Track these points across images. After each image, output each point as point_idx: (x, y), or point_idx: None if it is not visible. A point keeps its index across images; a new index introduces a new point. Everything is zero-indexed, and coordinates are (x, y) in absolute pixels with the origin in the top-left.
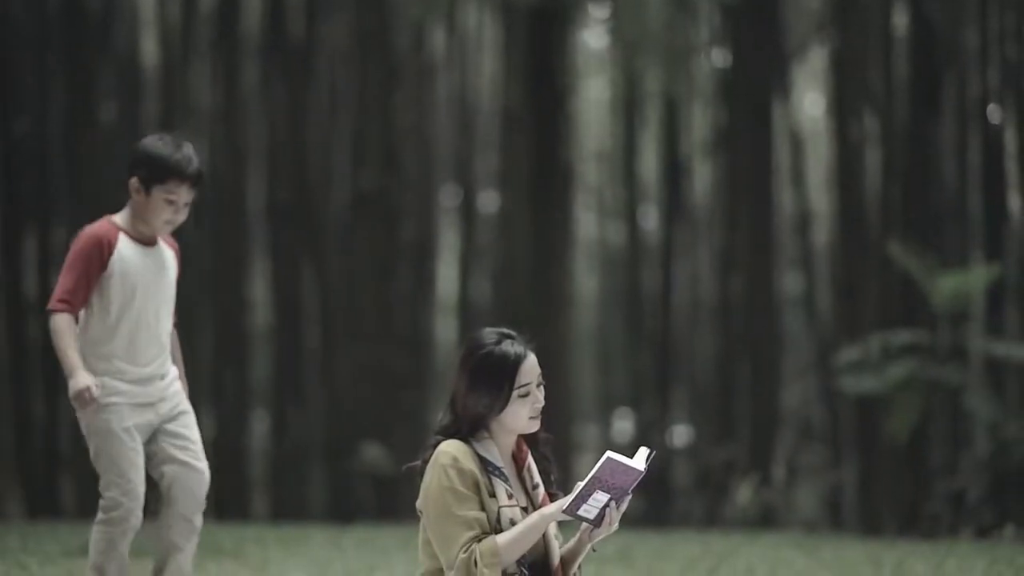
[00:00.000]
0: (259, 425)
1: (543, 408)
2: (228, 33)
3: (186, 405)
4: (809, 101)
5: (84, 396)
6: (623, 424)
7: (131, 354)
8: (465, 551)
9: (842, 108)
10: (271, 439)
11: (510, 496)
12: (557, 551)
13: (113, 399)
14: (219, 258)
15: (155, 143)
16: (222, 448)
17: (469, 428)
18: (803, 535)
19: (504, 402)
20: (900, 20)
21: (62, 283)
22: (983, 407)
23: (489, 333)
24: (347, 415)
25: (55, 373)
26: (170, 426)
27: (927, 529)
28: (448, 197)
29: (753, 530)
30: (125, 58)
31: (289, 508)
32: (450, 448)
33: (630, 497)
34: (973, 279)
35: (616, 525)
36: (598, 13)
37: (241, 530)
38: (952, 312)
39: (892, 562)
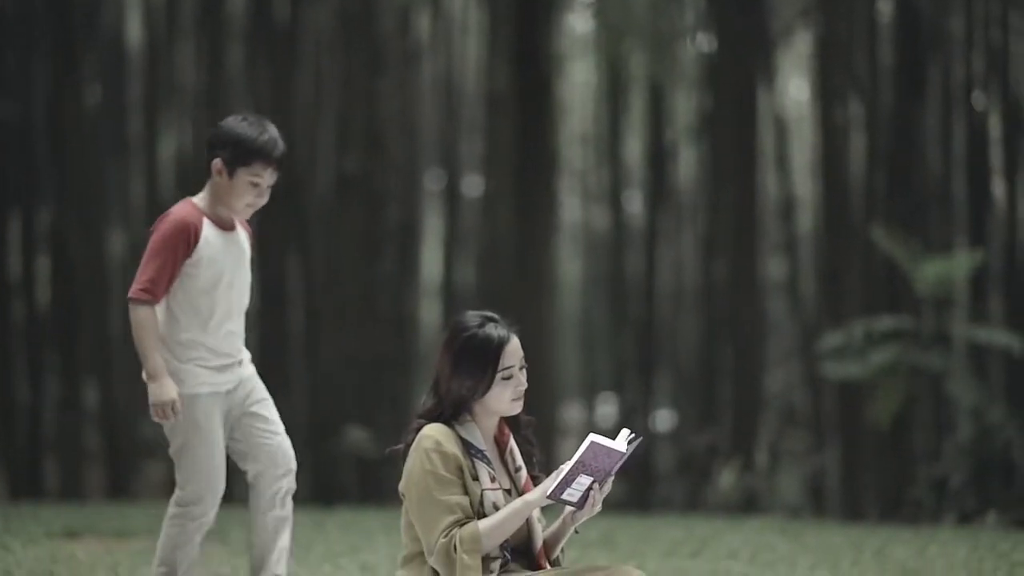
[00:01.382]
0: None
1: (525, 391)
2: (213, 15)
3: (263, 390)
4: (794, 86)
5: (167, 410)
6: (606, 408)
7: (215, 341)
8: (445, 536)
9: (827, 94)
10: None
11: (493, 479)
12: (540, 534)
13: (198, 389)
14: None
15: (239, 123)
16: None
17: (452, 411)
18: (785, 520)
19: (487, 385)
20: (885, 6)
21: (145, 270)
22: (966, 393)
23: (472, 316)
24: (331, 398)
25: (39, 354)
26: (253, 409)
27: (909, 514)
28: (432, 181)
29: (736, 515)
30: (110, 40)
31: None
32: (432, 432)
33: (613, 479)
34: (957, 265)
35: (599, 507)
36: None
37: (225, 512)
38: (936, 298)
39: (874, 547)
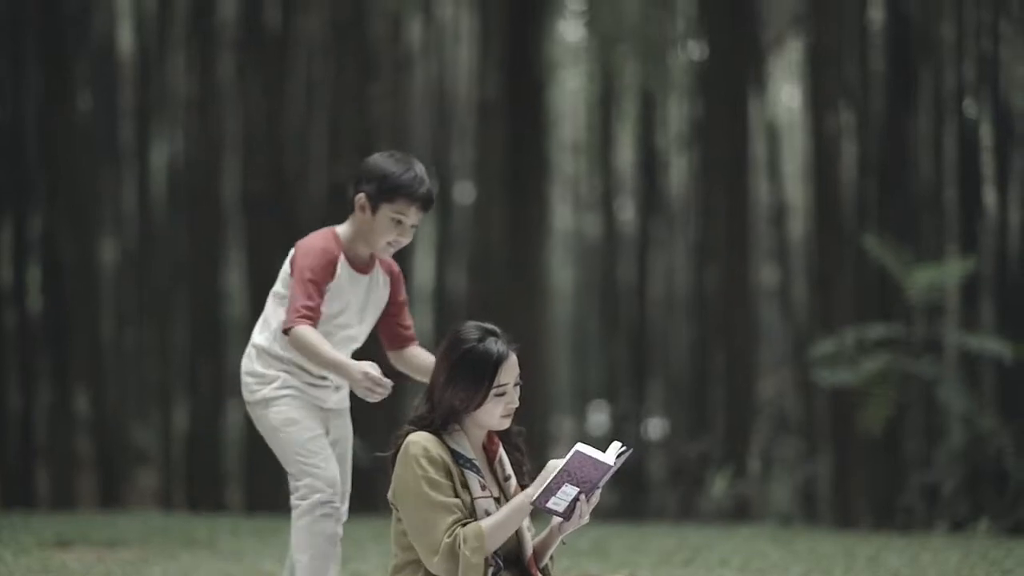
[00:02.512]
0: (234, 416)
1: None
2: (204, 23)
3: (348, 431)
4: (785, 94)
5: (371, 378)
6: (598, 416)
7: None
8: (449, 535)
9: (818, 101)
10: (246, 430)
11: (483, 487)
12: (530, 542)
13: (287, 391)
14: (194, 248)
15: (386, 159)
16: (197, 439)
17: (442, 420)
18: (778, 527)
19: (481, 400)
20: (876, 14)
21: (300, 297)
22: (958, 400)
23: (473, 328)
24: None
25: (30, 362)
26: (330, 438)
27: (901, 522)
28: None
29: (728, 523)
30: (101, 47)
31: (264, 499)
32: (419, 438)
33: (600, 491)
34: (948, 272)
35: (587, 519)
36: (574, 5)
37: (216, 521)
38: (927, 305)
39: (866, 555)
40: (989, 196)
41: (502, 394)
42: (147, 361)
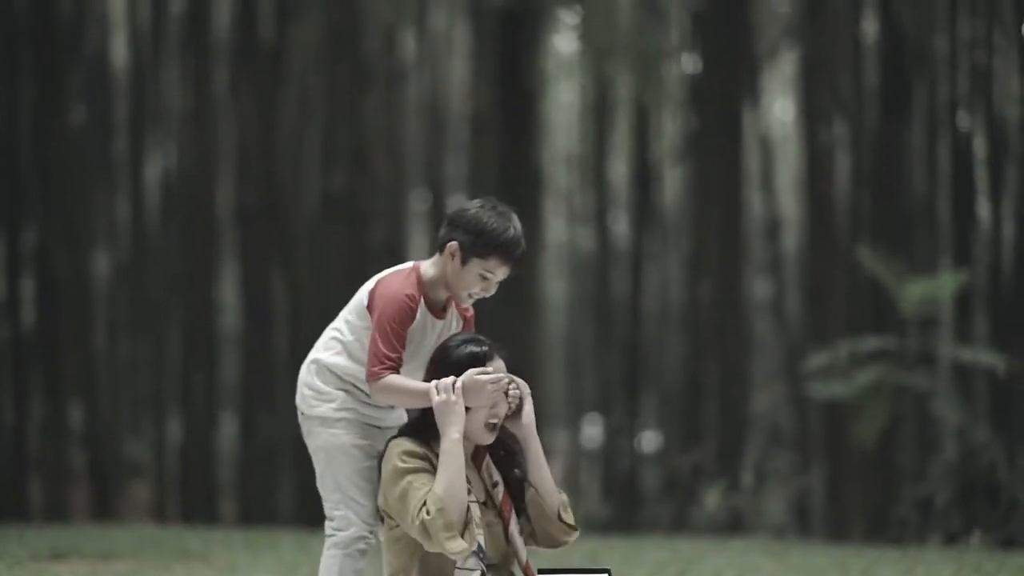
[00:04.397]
0: (228, 428)
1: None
2: (198, 35)
3: None
4: (779, 107)
5: (447, 394)
6: (592, 429)
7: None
8: (418, 511)
9: (811, 114)
10: (240, 442)
11: (468, 491)
12: (523, 548)
13: (345, 414)
14: (188, 260)
15: (488, 213)
16: (190, 451)
17: (434, 429)
18: (771, 540)
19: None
20: (870, 26)
21: (384, 347)
22: (951, 413)
23: (458, 337)
24: None
25: (24, 375)
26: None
27: (895, 535)
28: (418, 201)
29: (721, 535)
30: (95, 60)
31: (258, 512)
32: (402, 440)
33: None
34: (941, 285)
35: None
36: (568, 18)
37: (209, 533)
38: (921, 318)
39: (860, 568)
40: (982, 209)
41: None
42: (140, 373)
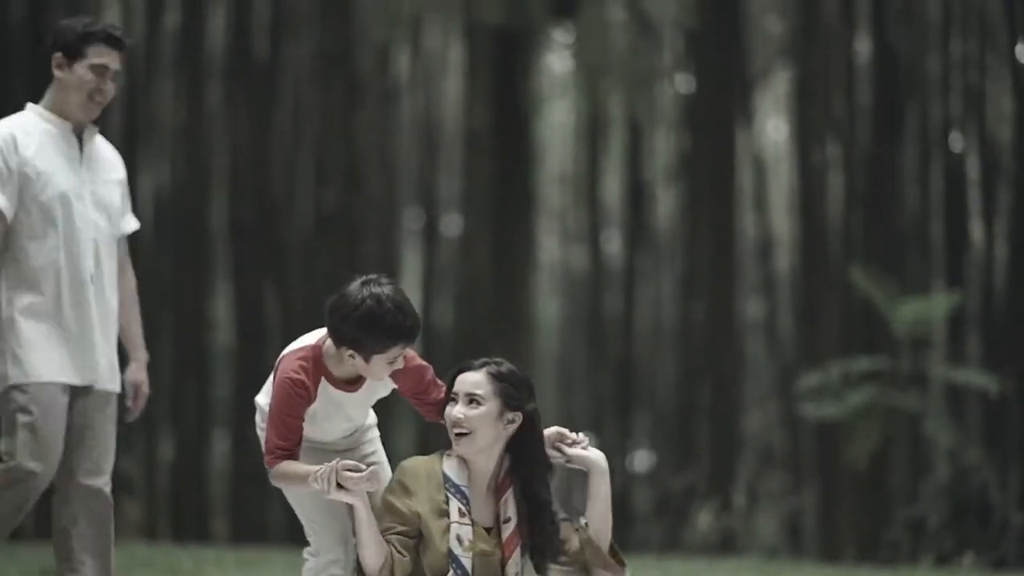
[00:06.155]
0: (219, 445)
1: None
2: (192, 52)
3: (374, 447)
4: (771, 127)
5: (325, 479)
6: None
7: (322, 435)
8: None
9: (804, 134)
10: (231, 460)
11: (462, 514)
12: None
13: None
14: (181, 277)
15: (370, 305)
16: (182, 468)
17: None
18: (763, 561)
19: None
20: (863, 47)
21: (274, 438)
22: (943, 434)
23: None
24: None
25: None
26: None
27: (887, 556)
28: (411, 219)
29: (713, 556)
30: None
31: (249, 530)
32: (405, 468)
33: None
34: (934, 306)
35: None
36: (562, 37)
37: (200, 551)
38: (913, 339)
39: None
40: (975, 230)
41: (451, 400)
42: None
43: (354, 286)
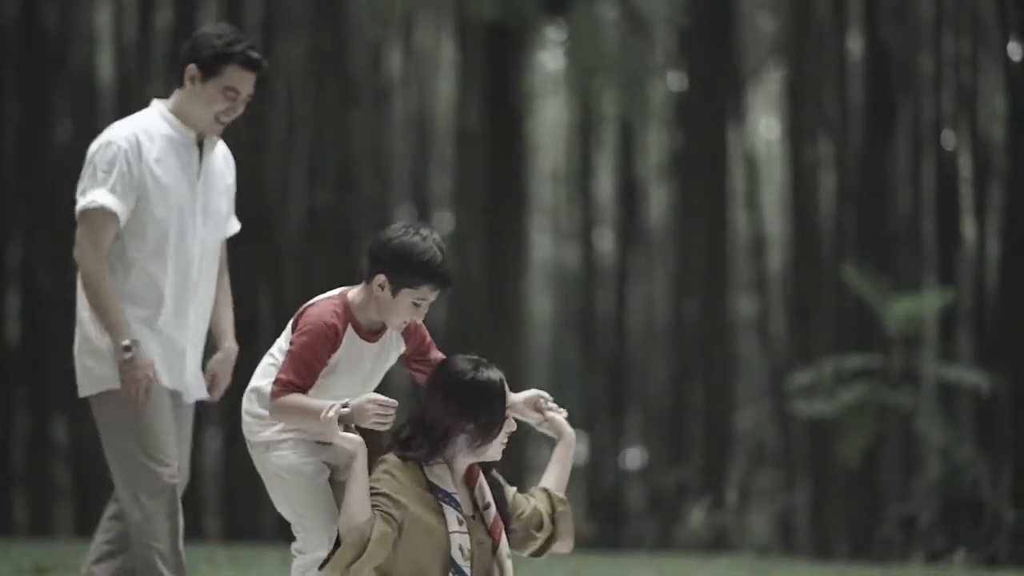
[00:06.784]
0: (212, 444)
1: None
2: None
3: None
4: (764, 125)
5: (379, 401)
6: (577, 446)
7: (335, 388)
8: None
9: (797, 132)
10: (224, 459)
11: (460, 523)
12: (510, 568)
13: (289, 434)
14: None
15: (412, 239)
16: None
17: (431, 450)
18: (755, 558)
19: (498, 430)
20: (855, 45)
21: (289, 372)
22: (935, 431)
23: (465, 360)
24: None
25: (9, 390)
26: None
27: (879, 553)
28: (404, 217)
29: (705, 553)
30: (81, 76)
31: (242, 528)
32: (386, 462)
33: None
34: (926, 304)
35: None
36: (554, 35)
37: (194, 550)
38: (905, 336)
39: None
40: (967, 228)
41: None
42: None
43: (402, 224)
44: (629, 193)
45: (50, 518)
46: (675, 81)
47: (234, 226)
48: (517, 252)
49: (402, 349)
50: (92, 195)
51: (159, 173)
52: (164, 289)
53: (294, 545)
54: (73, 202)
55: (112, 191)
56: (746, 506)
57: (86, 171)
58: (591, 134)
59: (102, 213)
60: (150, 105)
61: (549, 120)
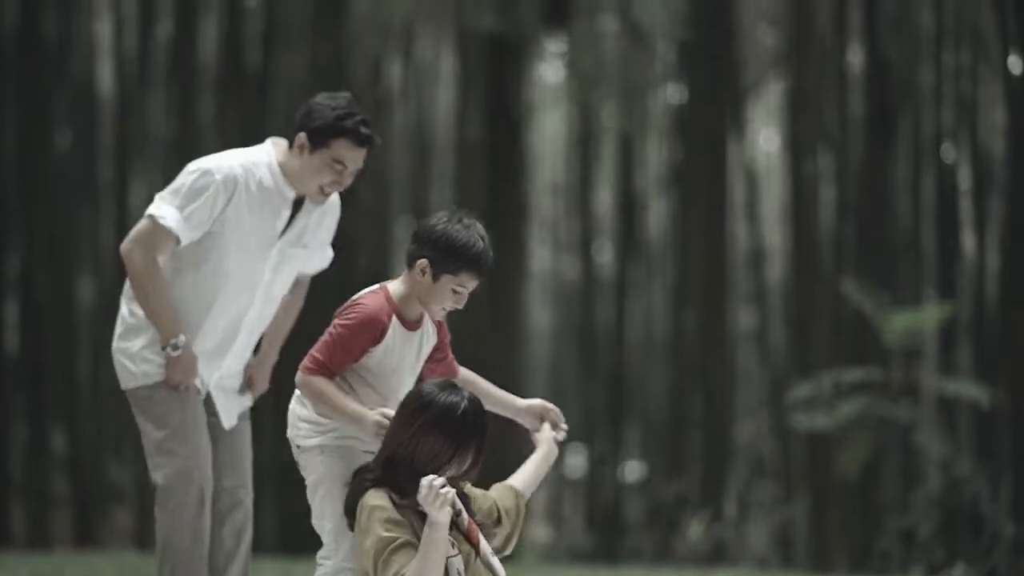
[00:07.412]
0: None
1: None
2: (184, 62)
3: None
4: (764, 137)
5: (384, 426)
6: (575, 459)
7: (378, 384)
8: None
9: (796, 145)
10: None
11: (452, 545)
12: (498, 564)
13: (343, 442)
14: None
15: (455, 227)
16: None
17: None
18: (754, 571)
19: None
20: (855, 57)
21: (325, 352)
22: (934, 445)
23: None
24: None
25: (6, 400)
26: None
27: (878, 566)
28: (403, 229)
29: (704, 566)
30: (81, 86)
31: None
32: (377, 497)
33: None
34: (926, 317)
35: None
36: (554, 47)
37: None
38: (904, 349)
39: None
40: (967, 240)
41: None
42: (123, 400)
43: (446, 212)
44: (629, 205)
45: (48, 529)
46: (675, 93)
47: (320, 265)
48: (516, 264)
49: (435, 340)
50: (166, 211)
51: (240, 226)
52: (214, 320)
53: (320, 552)
54: (71, 210)
55: (186, 219)
56: (745, 518)
57: (176, 183)
58: (591, 146)
59: (165, 232)
60: (265, 142)
61: (549, 132)
